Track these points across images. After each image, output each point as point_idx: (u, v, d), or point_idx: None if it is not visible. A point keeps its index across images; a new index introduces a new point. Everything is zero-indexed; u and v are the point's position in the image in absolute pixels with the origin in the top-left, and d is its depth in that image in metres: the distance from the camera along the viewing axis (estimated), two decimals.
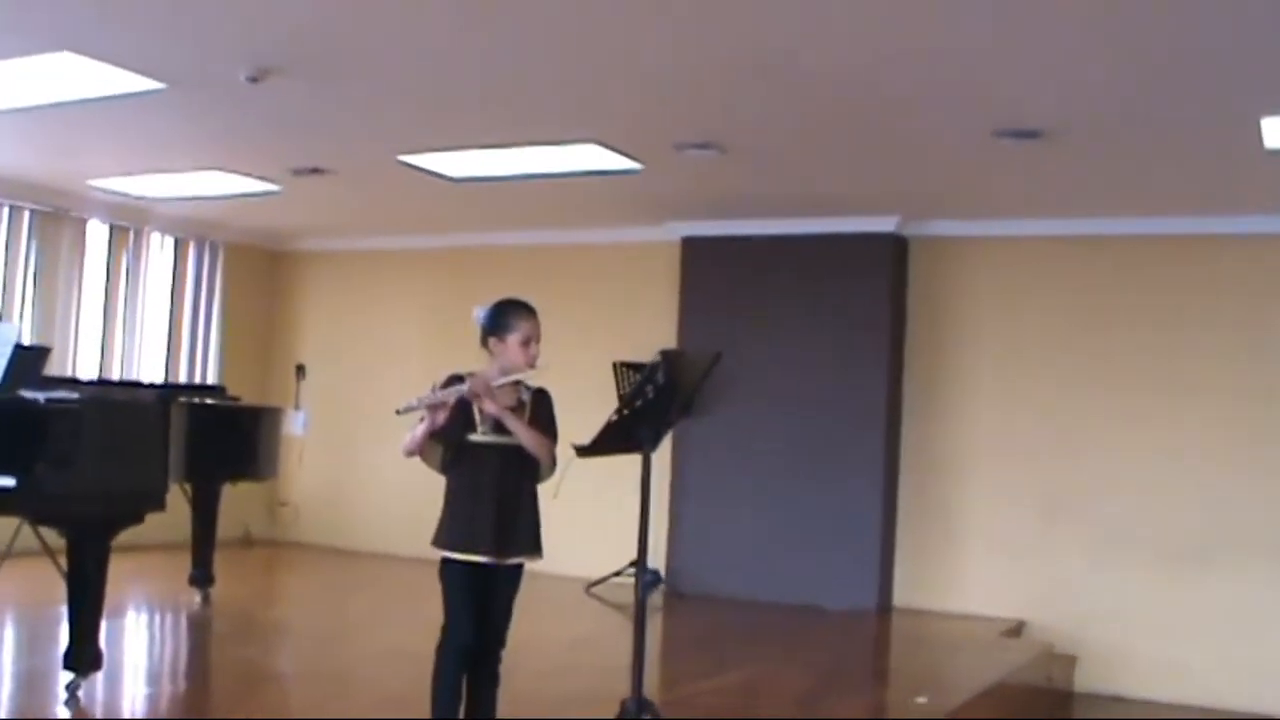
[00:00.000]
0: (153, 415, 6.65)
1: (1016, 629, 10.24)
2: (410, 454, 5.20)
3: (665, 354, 4.96)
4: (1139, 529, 10.15)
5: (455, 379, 5.14)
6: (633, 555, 10.31)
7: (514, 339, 5.23)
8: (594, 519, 11.04)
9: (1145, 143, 8.15)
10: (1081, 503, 10.39)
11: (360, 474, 13.68)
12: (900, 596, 11.01)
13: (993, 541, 10.70)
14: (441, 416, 5.08)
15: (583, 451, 5.20)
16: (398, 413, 5.07)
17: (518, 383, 5.27)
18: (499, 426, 5.15)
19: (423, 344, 12.95)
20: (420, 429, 5.11)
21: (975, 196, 10.16)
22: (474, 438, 5.18)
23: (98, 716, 6.31)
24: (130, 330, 12.87)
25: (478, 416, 5.17)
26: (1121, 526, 10.21)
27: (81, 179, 11.35)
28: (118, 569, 6.44)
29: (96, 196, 12.02)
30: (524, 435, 5.15)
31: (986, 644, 9.64)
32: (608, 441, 5.20)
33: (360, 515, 13.63)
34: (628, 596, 10.32)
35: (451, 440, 5.17)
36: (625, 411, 5.04)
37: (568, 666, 8.19)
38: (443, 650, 5.16)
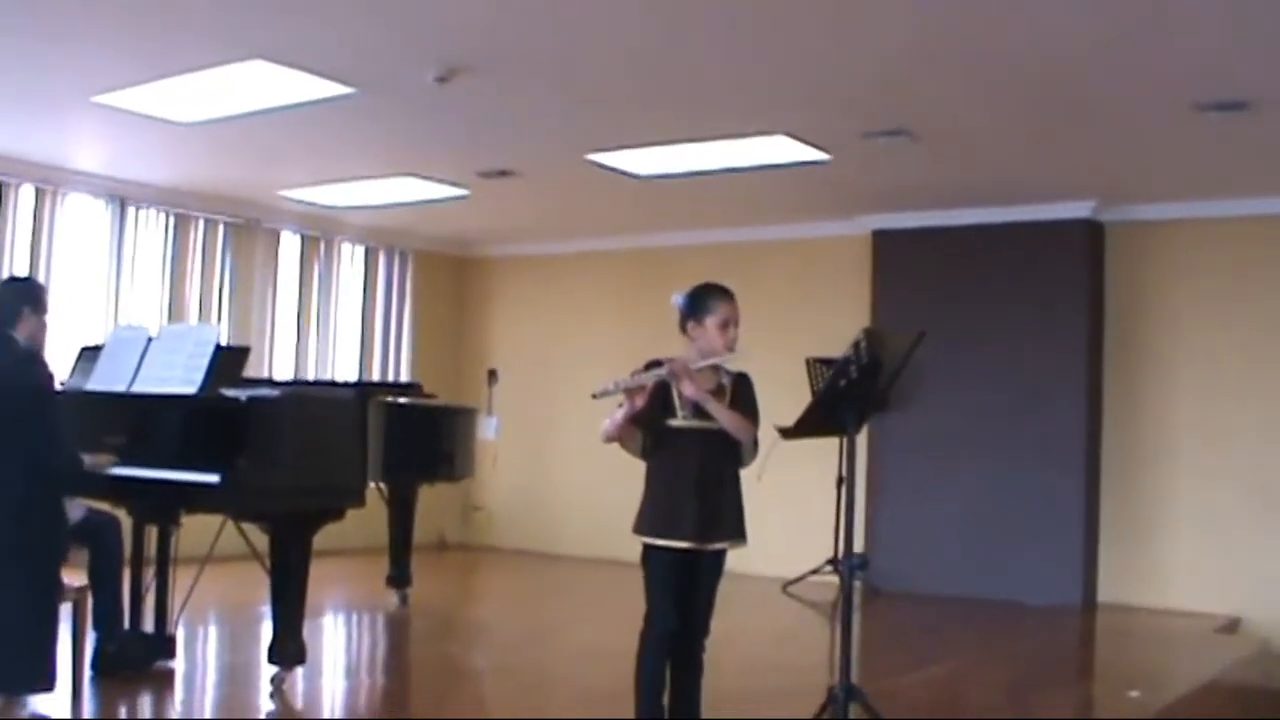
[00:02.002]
0: (351, 411, 6.70)
1: (1231, 625, 9.85)
2: (610, 440, 5.13)
3: (868, 332, 4.84)
4: None
5: (654, 364, 5.07)
6: (828, 554, 10.38)
7: (712, 322, 5.14)
8: (789, 519, 10.96)
9: None
10: None
11: (554, 477, 13.73)
12: (1105, 592, 10.69)
13: (1203, 533, 10.32)
14: (640, 400, 5.00)
15: (787, 433, 5.10)
16: (594, 396, 5.03)
17: (717, 368, 5.18)
18: (699, 411, 5.06)
19: (612, 346, 12.91)
20: (619, 414, 5.03)
21: (1175, 176, 9.82)
22: (674, 423, 5.09)
23: (300, 708, 6.36)
24: (324, 338, 13.07)
25: (677, 401, 5.09)
26: None
27: (273, 190, 11.56)
28: (316, 572, 6.51)
29: (288, 207, 12.22)
30: (725, 417, 5.05)
31: (1199, 640, 9.31)
32: (812, 423, 5.10)
33: (555, 519, 13.65)
34: (825, 595, 10.24)
35: (651, 425, 5.10)
36: (831, 392, 4.92)
37: (770, 662, 8.10)
38: (646, 638, 5.08)
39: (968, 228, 11.13)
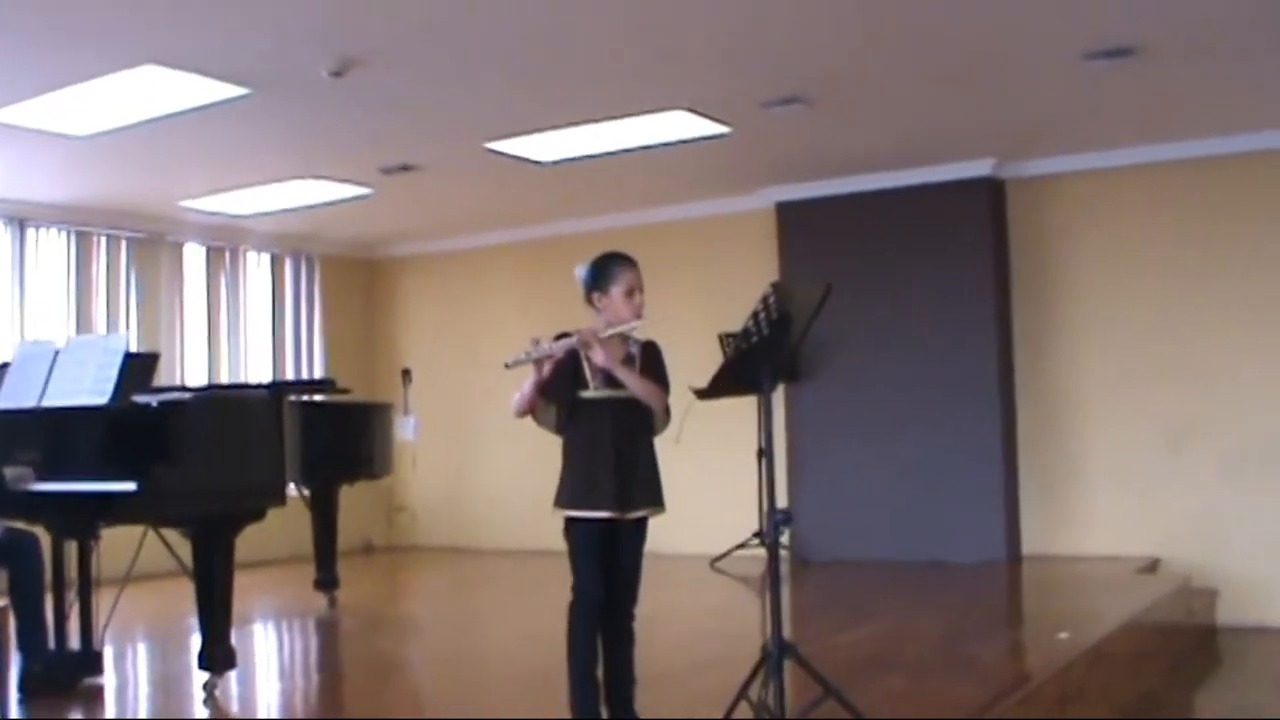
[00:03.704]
0: (265, 409, 6.62)
1: (1151, 566, 10.04)
2: (521, 414, 5.12)
3: (775, 286, 4.85)
4: (1271, 453, 9.89)
5: (563, 335, 5.06)
6: (754, 528, 10.42)
7: (617, 291, 5.14)
8: (713, 497, 11.06)
9: (1243, 51, 7.89)
10: (1208, 432, 10.15)
11: (475, 473, 13.74)
12: (1029, 544, 10.83)
13: (1120, 479, 10.50)
14: (547, 368, 5.00)
15: (702, 394, 5.11)
16: (506, 366, 5.01)
17: (625, 337, 5.17)
18: (610, 380, 5.05)
19: (526, 338, 12.86)
20: (527, 385, 5.03)
21: (1070, 129, 9.92)
22: (586, 394, 5.09)
23: (235, 712, 6.31)
24: (235, 347, 13.00)
25: (588, 373, 5.08)
26: (1252, 452, 9.95)
27: (175, 201, 11.45)
28: (242, 583, 6.44)
29: (191, 218, 12.12)
30: (635, 385, 5.05)
31: (1122, 581, 9.43)
32: (726, 382, 5.10)
33: (479, 514, 13.67)
34: (753, 569, 10.28)
35: (564, 398, 5.10)
36: (743, 347, 4.92)
37: (702, 634, 8.11)
38: (574, 611, 5.06)
39: (869, 194, 11.22)
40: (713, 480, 11.29)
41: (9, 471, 6.01)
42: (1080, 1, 6.94)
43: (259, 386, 9.41)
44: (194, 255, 12.76)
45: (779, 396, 10.94)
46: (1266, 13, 7.17)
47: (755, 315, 4.82)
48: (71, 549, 6.72)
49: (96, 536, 6.62)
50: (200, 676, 6.37)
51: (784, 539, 9.48)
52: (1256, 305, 10.05)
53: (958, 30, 7.36)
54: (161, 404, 6.08)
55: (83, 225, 11.61)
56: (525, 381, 5.04)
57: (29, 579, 6.41)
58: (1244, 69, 8.31)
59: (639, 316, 5.12)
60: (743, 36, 7.41)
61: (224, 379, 12.76)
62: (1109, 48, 7.66)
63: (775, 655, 4.94)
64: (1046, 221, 10.93)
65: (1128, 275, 10.57)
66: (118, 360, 6.27)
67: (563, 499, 5.12)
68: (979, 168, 10.76)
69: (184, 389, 8.29)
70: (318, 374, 13.68)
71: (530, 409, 5.10)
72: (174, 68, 7.51)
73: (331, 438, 9.21)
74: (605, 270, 5.20)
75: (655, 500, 5.17)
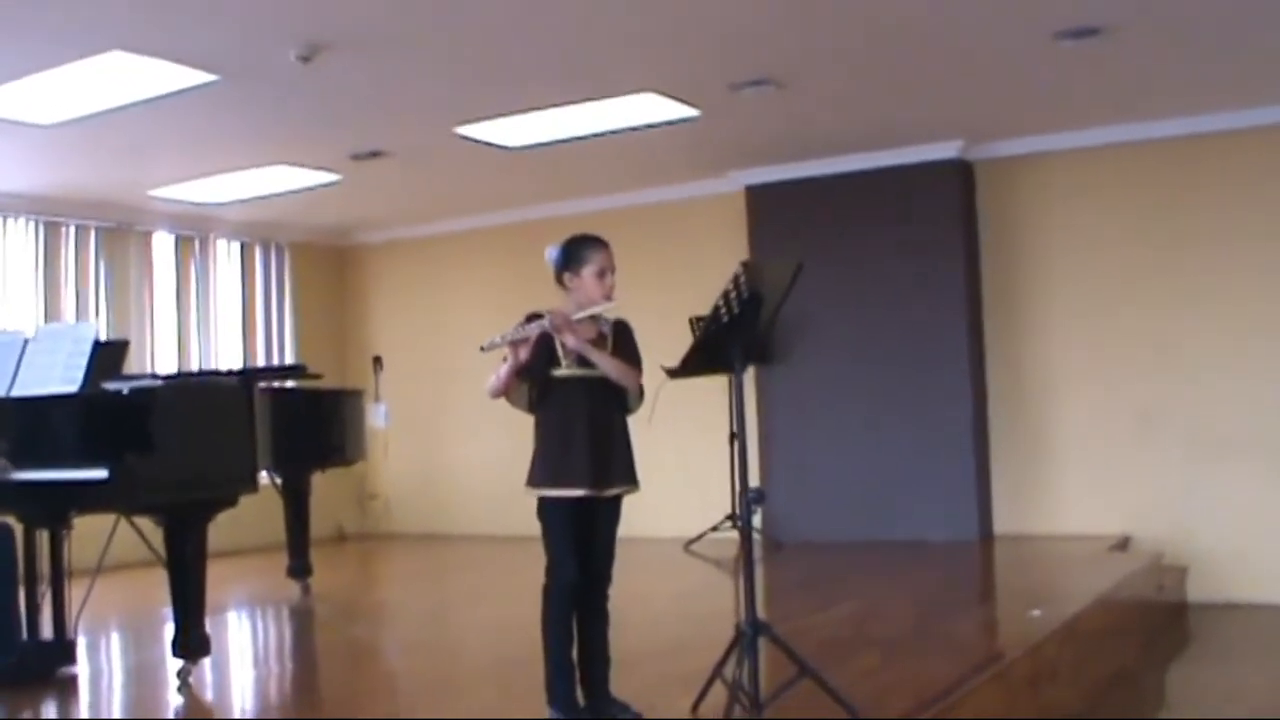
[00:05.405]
0: (235, 396, 6.61)
1: (1122, 543, 10.10)
2: (496, 395, 5.12)
3: (745, 265, 4.84)
4: (1239, 431, 9.97)
5: (535, 316, 5.06)
6: (726, 511, 10.43)
7: (588, 272, 5.15)
8: (686, 480, 11.07)
9: (1211, 29, 7.92)
10: (1177, 410, 10.22)
11: (447, 459, 13.72)
12: (1001, 524, 10.89)
13: (1090, 459, 10.57)
14: (524, 353, 5.00)
15: (673, 373, 5.11)
16: (481, 349, 4.99)
17: (596, 317, 5.18)
18: (583, 360, 5.06)
19: (498, 323, 12.75)
20: (504, 368, 5.02)
21: (1038, 110, 9.95)
22: (559, 373, 5.09)
23: (209, 700, 6.29)
24: (205, 335, 12.97)
25: (560, 351, 5.09)
26: (1220, 430, 10.04)
27: (143, 190, 11.38)
28: (215, 572, 6.43)
29: (159, 207, 12.06)
30: (608, 366, 5.06)
31: (1093, 559, 9.48)
32: (697, 362, 5.10)
33: (451, 500, 13.64)
34: (727, 551, 10.28)
35: (536, 377, 5.10)
36: (713, 327, 4.92)
37: (674, 614, 8.15)
38: (549, 591, 5.07)
39: (839, 176, 11.23)
40: (686, 463, 11.32)
41: None
42: None
43: (229, 373, 9.36)
44: (163, 244, 12.71)
45: (750, 379, 10.97)
46: None
47: (726, 294, 4.82)
48: (43, 539, 6.70)
49: (69, 526, 6.60)
50: (174, 664, 6.33)
51: (756, 520, 9.50)
52: (1224, 284, 10.11)
53: (926, 11, 7.37)
54: (132, 391, 6.05)
55: (51, 215, 11.54)
56: (502, 365, 5.04)
57: (1, 570, 6.37)
58: (1210, 49, 8.35)
59: (609, 298, 5.13)
60: (710, 18, 7.41)
61: (194, 367, 12.72)
62: (1077, 27, 7.68)
63: (749, 635, 4.94)
64: (1015, 202, 10.96)
65: (1096, 255, 10.61)
66: (87, 349, 6.24)
67: (536, 478, 5.13)
68: (947, 149, 10.78)
69: (154, 377, 8.24)
70: (288, 361, 13.63)
71: (506, 391, 5.10)
72: (140, 54, 7.47)
73: (303, 424, 9.19)
74: (576, 251, 5.21)
75: (630, 478, 5.18)
